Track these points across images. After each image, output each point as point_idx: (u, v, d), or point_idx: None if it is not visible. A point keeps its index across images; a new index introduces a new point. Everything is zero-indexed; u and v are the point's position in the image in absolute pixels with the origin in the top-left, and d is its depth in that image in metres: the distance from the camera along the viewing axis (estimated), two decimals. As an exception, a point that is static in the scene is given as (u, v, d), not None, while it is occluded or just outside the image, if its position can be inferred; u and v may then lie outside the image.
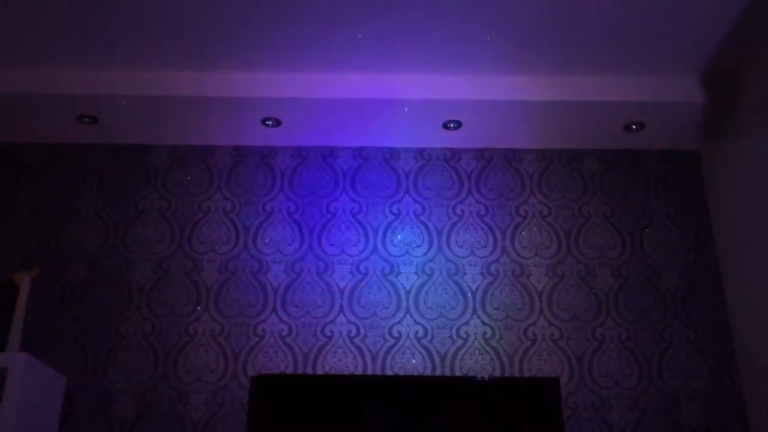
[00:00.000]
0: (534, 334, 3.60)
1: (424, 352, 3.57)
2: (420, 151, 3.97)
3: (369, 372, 3.52)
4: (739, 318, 3.56)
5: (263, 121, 3.75)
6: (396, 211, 3.84)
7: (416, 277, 3.71)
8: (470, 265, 3.73)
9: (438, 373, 3.53)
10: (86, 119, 3.73)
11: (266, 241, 3.77)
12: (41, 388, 3.27)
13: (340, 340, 3.59)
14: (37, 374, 3.23)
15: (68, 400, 3.45)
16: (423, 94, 3.58)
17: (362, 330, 3.61)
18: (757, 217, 3.40)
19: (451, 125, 3.76)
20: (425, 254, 3.75)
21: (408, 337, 3.60)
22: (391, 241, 3.78)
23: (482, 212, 3.85)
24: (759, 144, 3.39)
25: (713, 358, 3.57)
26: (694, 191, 3.89)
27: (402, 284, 3.69)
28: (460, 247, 3.77)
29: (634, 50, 3.42)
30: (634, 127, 3.75)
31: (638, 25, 3.27)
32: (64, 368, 3.48)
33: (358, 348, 3.58)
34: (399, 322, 3.62)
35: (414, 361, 3.56)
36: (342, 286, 3.69)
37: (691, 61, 3.52)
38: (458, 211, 3.85)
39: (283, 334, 3.60)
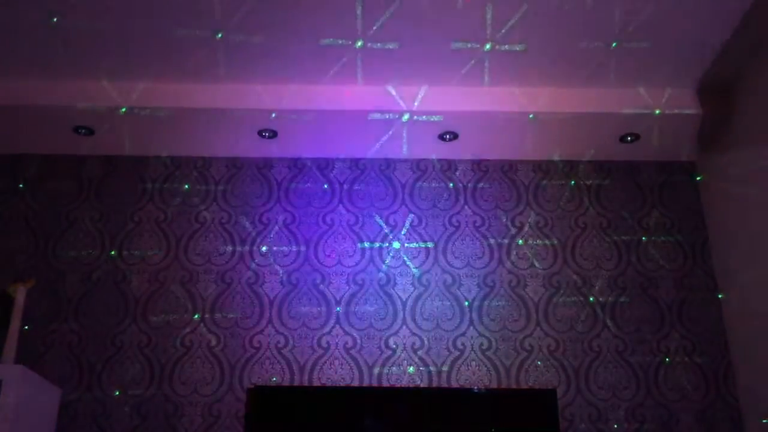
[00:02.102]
0: (530, 345, 3.60)
1: (420, 364, 3.56)
2: (416, 163, 3.97)
3: (365, 383, 3.51)
4: (736, 328, 3.55)
5: (260, 133, 3.76)
6: (392, 223, 3.85)
7: (412, 288, 3.71)
8: (466, 276, 3.73)
9: (434, 384, 3.52)
10: (82, 131, 3.73)
11: (263, 252, 3.77)
12: (36, 400, 3.26)
13: (337, 351, 3.58)
14: (32, 386, 3.21)
15: (63, 413, 3.43)
16: (419, 106, 3.59)
17: (359, 341, 3.60)
18: (753, 227, 3.41)
19: (447, 136, 3.77)
20: (421, 265, 3.75)
21: (404, 348, 3.59)
22: (388, 253, 3.78)
23: (478, 223, 3.85)
24: (753, 155, 3.40)
25: (710, 368, 3.56)
26: (690, 202, 3.90)
27: (398, 295, 3.69)
28: (457, 258, 3.77)
29: (629, 63, 3.44)
30: (629, 138, 3.76)
31: (634, 38, 3.29)
32: (59, 380, 3.46)
33: (355, 359, 3.57)
34: (395, 334, 3.61)
35: (410, 372, 3.55)
36: (338, 297, 3.68)
37: (686, 74, 3.54)
38: (454, 222, 3.85)
39: (280, 345, 3.59)
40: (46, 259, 3.73)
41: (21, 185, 3.88)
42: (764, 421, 3.27)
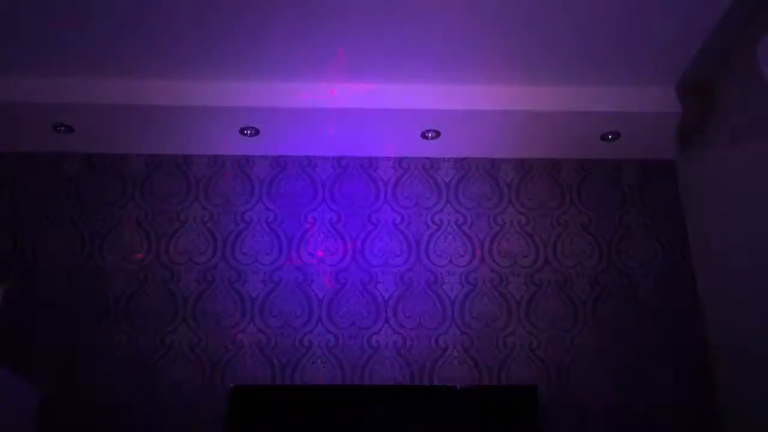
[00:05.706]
0: (512, 343, 3.62)
1: (402, 362, 3.57)
2: (399, 161, 3.97)
3: (347, 382, 3.52)
4: (715, 327, 3.59)
5: (241, 131, 3.73)
6: (375, 221, 3.84)
7: (395, 286, 3.71)
8: (449, 274, 3.74)
9: (416, 382, 3.53)
10: (62, 128, 3.69)
11: (244, 250, 3.75)
12: (14, 406, 3.21)
13: (319, 350, 3.58)
14: (9, 391, 3.17)
15: (43, 418, 3.39)
16: (402, 104, 3.58)
17: (341, 340, 3.60)
18: (732, 225, 3.44)
19: (430, 134, 3.77)
20: (404, 264, 3.76)
21: (387, 347, 3.59)
22: (370, 251, 3.77)
23: (461, 221, 3.85)
24: (732, 153, 3.43)
25: (690, 367, 3.60)
26: (670, 200, 3.92)
27: (381, 294, 3.69)
28: (439, 256, 3.77)
29: (610, 61, 3.45)
30: (610, 136, 3.78)
31: (615, 37, 3.30)
32: (38, 384, 3.41)
33: (337, 358, 3.57)
34: (377, 332, 3.62)
35: (392, 371, 3.55)
36: (321, 296, 3.68)
37: (666, 72, 3.55)
38: (437, 221, 3.85)
39: (262, 344, 3.58)
40: (24, 259, 3.69)
41: (-1, 183, 3.84)
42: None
